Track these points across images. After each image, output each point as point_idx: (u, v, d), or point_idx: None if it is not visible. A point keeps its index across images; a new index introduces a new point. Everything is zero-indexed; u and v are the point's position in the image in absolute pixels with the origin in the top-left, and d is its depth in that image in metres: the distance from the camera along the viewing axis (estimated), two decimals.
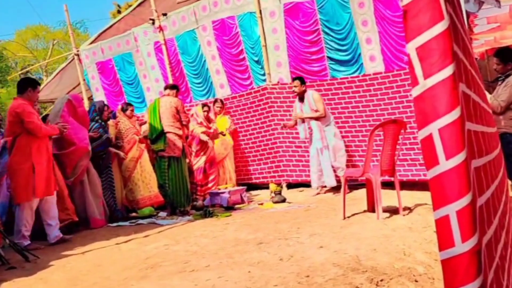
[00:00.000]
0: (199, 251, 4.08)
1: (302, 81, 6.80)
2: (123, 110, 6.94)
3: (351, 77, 6.82)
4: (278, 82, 7.66)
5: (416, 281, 3.09)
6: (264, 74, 7.93)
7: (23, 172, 4.88)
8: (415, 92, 0.96)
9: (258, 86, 7.90)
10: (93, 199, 5.99)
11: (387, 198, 5.19)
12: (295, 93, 6.80)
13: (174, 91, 6.91)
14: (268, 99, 7.68)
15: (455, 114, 0.93)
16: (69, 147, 5.77)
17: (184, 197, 6.59)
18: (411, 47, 0.95)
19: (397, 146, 4.81)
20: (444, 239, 0.96)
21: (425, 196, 5.57)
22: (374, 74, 6.62)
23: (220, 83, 8.62)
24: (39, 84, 5.31)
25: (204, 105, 7.81)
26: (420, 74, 0.95)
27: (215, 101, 8.03)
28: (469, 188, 0.93)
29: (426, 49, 0.93)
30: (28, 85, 5.10)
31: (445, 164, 0.94)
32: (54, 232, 5.09)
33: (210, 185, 7.45)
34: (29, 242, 4.89)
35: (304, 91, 6.74)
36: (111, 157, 6.45)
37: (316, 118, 6.62)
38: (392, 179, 5.17)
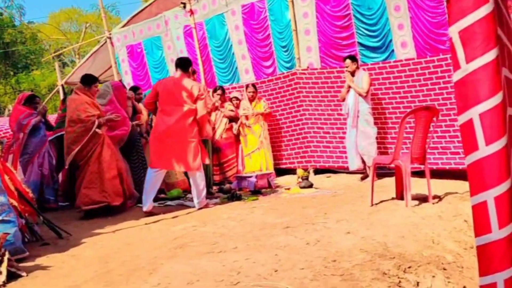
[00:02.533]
0: (227, 233, 4.13)
1: (353, 59, 6.60)
2: None
3: (382, 63, 6.71)
4: (308, 67, 7.60)
5: (444, 269, 3.07)
6: (289, 61, 7.89)
7: None
8: (456, 76, 0.95)
9: (288, 71, 7.86)
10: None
11: (417, 186, 5.13)
12: (349, 73, 6.59)
13: (195, 76, 7.00)
14: (297, 84, 7.63)
15: (497, 99, 0.91)
16: (111, 131, 5.98)
17: (208, 179, 6.71)
18: (454, 30, 0.93)
19: (429, 134, 4.73)
20: (481, 226, 0.95)
21: (455, 185, 5.48)
22: (406, 60, 6.49)
23: (245, 68, 8.62)
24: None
25: (217, 88, 7.86)
26: (462, 58, 0.93)
27: (247, 86, 8.01)
28: (508, 174, 0.92)
29: (469, 33, 0.91)
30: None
31: (485, 150, 0.93)
32: None
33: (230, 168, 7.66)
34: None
35: (357, 69, 6.56)
36: (139, 138, 6.56)
37: (358, 97, 6.50)
38: (422, 167, 5.10)
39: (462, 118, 0.95)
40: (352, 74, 6.57)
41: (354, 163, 6.71)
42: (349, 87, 6.57)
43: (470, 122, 0.94)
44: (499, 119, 0.91)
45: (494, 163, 0.92)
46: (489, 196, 0.93)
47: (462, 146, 0.98)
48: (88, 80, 5.85)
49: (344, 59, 6.71)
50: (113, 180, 5.65)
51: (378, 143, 6.71)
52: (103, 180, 5.56)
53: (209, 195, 6.48)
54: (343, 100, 6.77)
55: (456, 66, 0.94)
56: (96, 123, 5.58)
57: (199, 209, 5.44)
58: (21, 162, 6.48)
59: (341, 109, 7.10)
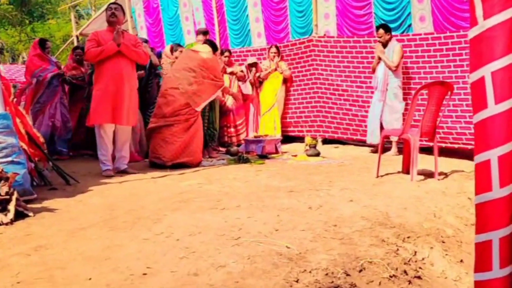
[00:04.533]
0: (231, 192, 4.19)
1: (387, 28, 6.31)
2: (174, 50, 6.96)
3: (401, 35, 6.60)
4: (325, 34, 7.51)
5: (443, 242, 3.10)
6: (304, 27, 7.81)
7: (94, 97, 5.13)
8: (473, 33, 0.94)
9: (304, 37, 7.77)
10: None
11: (424, 162, 5.13)
12: (381, 43, 6.33)
13: (207, 36, 6.95)
14: (311, 51, 7.56)
15: (510, 58, 0.91)
16: None
17: (217, 136, 6.96)
18: None
19: (441, 108, 4.70)
20: (482, 184, 0.97)
21: (462, 164, 5.48)
22: (425, 34, 6.39)
23: (257, 32, 8.55)
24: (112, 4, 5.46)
25: (224, 51, 7.85)
26: (480, 14, 0.92)
27: (270, 47, 7.98)
28: None
29: None
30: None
31: (494, 108, 0.93)
32: (116, 163, 5.32)
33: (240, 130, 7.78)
34: (108, 167, 5.12)
35: (389, 39, 6.31)
36: (157, 91, 6.57)
37: (388, 70, 6.30)
38: (430, 144, 5.08)
39: (474, 76, 0.95)
40: (385, 45, 6.32)
41: (374, 137, 6.47)
42: (380, 58, 6.36)
43: (481, 80, 0.94)
44: (510, 78, 0.91)
45: (502, 122, 0.92)
46: (493, 155, 0.94)
47: (472, 104, 0.98)
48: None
49: (377, 28, 6.45)
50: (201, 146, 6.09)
51: None
52: (201, 141, 6.02)
53: (213, 151, 6.71)
54: (374, 71, 6.53)
55: (473, 23, 0.93)
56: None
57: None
58: (32, 111, 6.49)
59: (351, 80, 7.03)
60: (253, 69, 7.85)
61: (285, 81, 7.93)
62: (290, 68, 7.91)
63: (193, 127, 5.76)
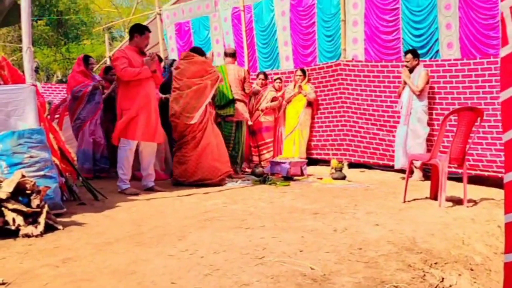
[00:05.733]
0: (256, 212, 4.19)
1: (415, 54, 6.32)
2: None
3: (429, 61, 6.58)
4: (353, 59, 7.54)
5: (471, 269, 3.03)
6: (332, 51, 7.88)
7: (119, 117, 5.23)
8: (504, 52, 0.95)
9: (331, 61, 7.82)
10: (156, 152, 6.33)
11: (452, 189, 5.04)
12: (408, 68, 6.32)
13: (235, 57, 7.07)
14: (339, 75, 7.59)
15: None
16: None
17: (243, 159, 7.02)
18: (505, 5, 0.93)
19: (471, 135, 4.63)
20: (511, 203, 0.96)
21: (492, 192, 5.36)
22: (454, 60, 6.34)
23: (286, 55, 8.66)
24: (148, 30, 5.42)
25: (259, 73, 8.05)
26: (511, 34, 0.93)
27: (296, 70, 8.07)
28: None
29: None
30: (134, 32, 5.36)
31: None
32: (143, 181, 5.42)
33: (265, 152, 7.87)
34: (127, 185, 5.19)
35: (417, 65, 6.29)
36: None
37: (412, 94, 6.27)
38: (459, 171, 5.00)
39: (505, 95, 0.96)
40: (411, 70, 6.32)
41: (399, 161, 6.46)
42: (405, 83, 6.35)
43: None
44: None
45: None
46: None
47: (501, 123, 0.99)
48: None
49: (405, 53, 6.47)
50: (225, 149, 6.17)
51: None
52: (222, 151, 6.02)
53: (237, 174, 6.75)
54: (399, 96, 6.53)
55: (504, 42, 0.94)
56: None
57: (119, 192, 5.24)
58: (73, 127, 6.57)
59: (377, 105, 7.01)
60: (252, 98, 7.88)
61: (310, 104, 7.94)
62: (316, 92, 7.94)
63: (202, 143, 5.82)
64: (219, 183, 5.85)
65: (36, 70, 8.68)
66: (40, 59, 20.24)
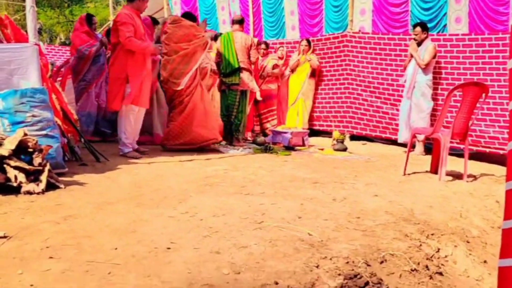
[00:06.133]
0: (256, 180, 4.21)
1: (424, 27, 6.19)
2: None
3: (437, 35, 6.49)
4: (359, 30, 7.44)
5: (468, 242, 3.06)
6: (339, 22, 7.77)
7: (118, 82, 5.10)
8: None
9: (338, 32, 7.72)
10: (157, 116, 6.31)
11: (453, 164, 5.06)
12: (416, 42, 6.22)
13: (243, 25, 6.92)
14: (345, 47, 7.51)
15: None
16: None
17: (245, 127, 6.94)
18: None
19: (475, 110, 4.61)
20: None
21: (493, 168, 5.37)
22: (462, 35, 6.26)
23: (292, 25, 8.56)
24: None
25: (261, 43, 7.94)
26: None
27: (301, 40, 7.98)
28: None
29: None
30: None
31: None
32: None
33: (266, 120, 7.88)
34: (129, 149, 5.18)
35: (425, 38, 6.18)
36: None
37: (417, 67, 6.20)
38: (461, 147, 4.99)
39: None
40: (419, 43, 6.21)
41: (402, 135, 6.46)
42: (412, 56, 6.27)
43: None
44: None
45: None
46: None
47: (509, 93, 0.97)
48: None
49: (414, 26, 6.36)
50: (214, 116, 6.01)
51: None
52: (209, 118, 5.84)
53: (237, 142, 6.71)
54: (405, 69, 6.46)
55: None
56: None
57: (121, 155, 5.17)
58: (76, 88, 6.40)
59: (382, 78, 6.96)
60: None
61: (314, 74, 7.89)
62: (321, 63, 7.87)
63: (189, 108, 5.71)
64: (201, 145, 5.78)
65: (39, 31, 8.53)
66: (43, 21, 20.00)
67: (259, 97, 7.36)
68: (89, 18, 6.67)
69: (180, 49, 5.71)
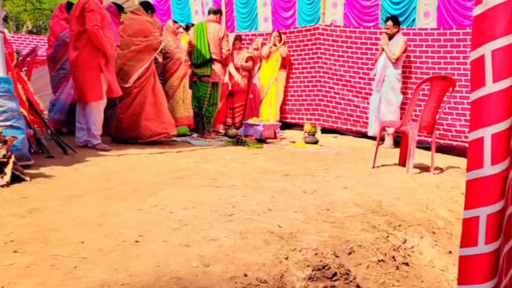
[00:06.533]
0: (227, 172, 4.21)
1: (395, 21, 6.24)
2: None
3: (407, 29, 6.59)
4: (331, 23, 7.49)
5: (433, 233, 3.14)
6: (311, 14, 7.80)
7: (91, 72, 4.93)
8: (477, 11, 0.95)
9: (310, 25, 7.75)
10: None
11: (420, 157, 5.15)
12: (387, 35, 6.27)
13: (218, 15, 6.79)
14: (317, 39, 7.54)
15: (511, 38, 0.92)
16: None
17: (214, 120, 6.90)
18: None
19: (442, 104, 4.71)
20: (474, 161, 0.99)
21: (459, 161, 5.50)
22: (431, 29, 6.37)
23: (264, 17, 8.53)
24: None
25: (237, 37, 7.92)
26: None
27: (273, 31, 7.97)
28: (510, 113, 0.94)
29: None
30: None
31: (491, 87, 0.95)
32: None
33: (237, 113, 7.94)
34: (99, 141, 5.06)
35: (396, 32, 6.23)
36: (159, 70, 6.54)
37: (387, 61, 6.27)
38: (428, 140, 5.10)
39: (475, 54, 0.96)
40: (391, 37, 6.28)
41: (372, 128, 6.55)
42: (383, 49, 6.34)
43: (481, 59, 0.95)
44: (510, 57, 0.93)
45: (498, 100, 0.94)
46: (487, 132, 0.96)
47: (470, 83, 1.00)
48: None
49: (386, 19, 6.42)
50: (167, 111, 5.80)
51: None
52: (161, 112, 5.63)
53: (209, 134, 6.68)
54: (376, 63, 6.53)
55: (478, 1, 0.94)
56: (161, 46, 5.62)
57: (90, 146, 5.05)
58: (55, 77, 6.18)
59: (354, 71, 7.03)
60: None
61: (285, 66, 7.92)
62: (293, 55, 7.90)
63: (137, 100, 5.54)
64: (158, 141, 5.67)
65: (5, 19, 8.29)
66: (10, 8, 19.40)
67: (242, 84, 7.38)
68: (69, 6, 6.48)
69: (133, 44, 5.57)
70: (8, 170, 3.21)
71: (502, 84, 0.94)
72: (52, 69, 6.23)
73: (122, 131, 5.59)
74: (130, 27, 5.63)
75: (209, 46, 6.50)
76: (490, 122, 0.95)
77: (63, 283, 1.80)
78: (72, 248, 2.13)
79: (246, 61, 7.86)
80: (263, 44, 7.97)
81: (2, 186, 3.11)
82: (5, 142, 3.31)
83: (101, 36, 4.86)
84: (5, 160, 3.24)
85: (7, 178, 3.16)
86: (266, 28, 8.45)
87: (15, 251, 2.07)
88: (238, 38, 7.99)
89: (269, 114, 7.77)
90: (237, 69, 7.68)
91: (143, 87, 5.57)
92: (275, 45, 7.79)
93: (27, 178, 3.35)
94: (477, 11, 0.96)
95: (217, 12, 6.80)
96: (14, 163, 3.29)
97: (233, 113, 7.99)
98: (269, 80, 7.87)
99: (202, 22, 6.73)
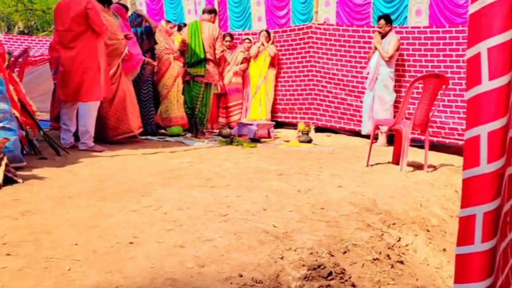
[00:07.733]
0: (221, 172, 4.20)
1: (388, 20, 6.24)
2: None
3: (400, 27, 6.60)
4: (324, 22, 7.49)
5: (428, 230, 3.15)
6: (305, 13, 7.80)
7: (90, 72, 4.89)
8: (473, 8, 0.95)
9: (303, 24, 7.75)
10: None
11: (414, 155, 5.18)
12: (380, 34, 6.28)
13: (213, 15, 6.74)
14: (310, 38, 7.54)
15: (508, 35, 0.92)
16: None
17: (208, 120, 6.87)
18: None
19: (435, 102, 4.72)
20: (470, 159, 0.98)
21: (452, 159, 5.53)
22: (423, 27, 6.40)
23: (258, 16, 8.52)
24: None
25: (225, 35, 7.86)
26: None
27: (262, 31, 7.95)
28: (506, 111, 0.94)
29: None
30: None
31: (487, 85, 0.94)
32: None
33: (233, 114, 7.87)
34: (92, 143, 5.01)
35: (389, 31, 6.24)
36: (151, 70, 6.51)
37: (380, 59, 6.27)
38: (422, 138, 5.12)
39: (471, 52, 0.96)
40: (383, 36, 6.28)
41: (365, 127, 6.57)
42: (376, 48, 6.35)
43: (477, 56, 0.95)
44: (506, 55, 0.92)
45: (494, 98, 0.94)
46: (484, 130, 0.95)
47: (466, 81, 0.99)
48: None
49: (379, 18, 6.43)
50: (136, 111, 5.77)
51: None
52: (128, 113, 5.55)
53: (202, 135, 6.62)
54: (369, 61, 6.54)
55: None
56: (127, 48, 5.48)
57: (85, 150, 4.96)
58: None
59: (347, 70, 7.04)
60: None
61: (273, 65, 7.91)
62: (286, 55, 7.89)
63: (118, 95, 5.46)
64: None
65: None
66: (1, 9, 19.28)
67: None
68: None
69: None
70: (0, 172, 3.18)
71: (498, 82, 0.93)
72: (54, 67, 6.16)
73: (111, 128, 5.49)
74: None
75: (203, 45, 6.47)
76: (486, 120, 0.95)
77: (57, 286, 1.78)
78: (66, 250, 2.11)
79: (242, 62, 7.87)
80: (249, 46, 7.94)
81: None
82: None
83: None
84: None
85: None
86: (260, 28, 8.43)
87: (8, 254, 2.04)
88: (228, 35, 7.94)
89: (259, 113, 7.75)
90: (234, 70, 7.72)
91: (119, 83, 5.48)
92: (263, 44, 7.78)
93: (20, 180, 3.31)
94: (473, 8, 0.95)
95: (212, 11, 6.77)
96: (6, 165, 3.26)
97: (226, 112, 7.97)
98: (258, 79, 7.87)
99: (197, 21, 6.69)
